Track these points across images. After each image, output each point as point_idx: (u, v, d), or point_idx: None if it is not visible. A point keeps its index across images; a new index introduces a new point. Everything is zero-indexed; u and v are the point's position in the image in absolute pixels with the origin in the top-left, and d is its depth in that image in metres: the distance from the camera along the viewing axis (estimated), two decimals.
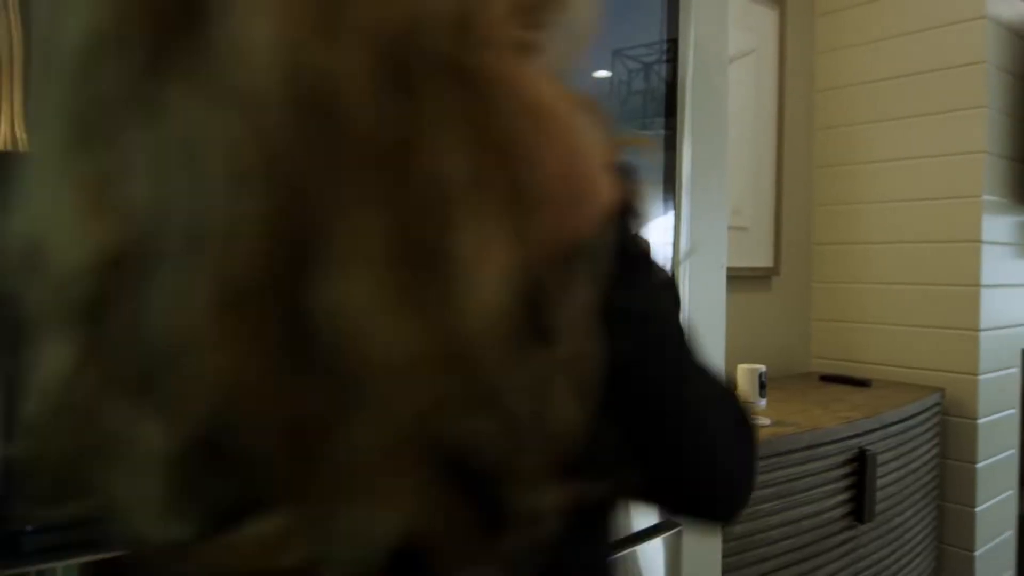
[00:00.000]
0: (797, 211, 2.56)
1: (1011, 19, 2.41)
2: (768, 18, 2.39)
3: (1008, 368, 2.41)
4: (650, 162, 1.17)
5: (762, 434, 1.69)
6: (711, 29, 1.35)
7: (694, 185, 1.29)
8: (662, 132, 1.19)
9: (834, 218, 2.58)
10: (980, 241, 2.26)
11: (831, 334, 2.57)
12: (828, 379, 2.38)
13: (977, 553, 2.29)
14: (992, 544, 2.37)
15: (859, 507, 1.89)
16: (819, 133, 2.61)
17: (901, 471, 2.05)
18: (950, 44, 2.32)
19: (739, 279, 2.29)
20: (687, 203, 1.26)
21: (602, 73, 1.20)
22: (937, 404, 2.24)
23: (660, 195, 1.19)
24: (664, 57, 1.24)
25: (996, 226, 2.33)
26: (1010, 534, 2.47)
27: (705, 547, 1.38)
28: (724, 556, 1.50)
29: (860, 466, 1.88)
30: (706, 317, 1.37)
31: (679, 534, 1.25)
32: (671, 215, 1.22)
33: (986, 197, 2.28)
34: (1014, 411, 2.45)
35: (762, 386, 1.80)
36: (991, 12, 2.29)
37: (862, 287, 2.50)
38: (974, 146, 2.27)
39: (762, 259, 2.37)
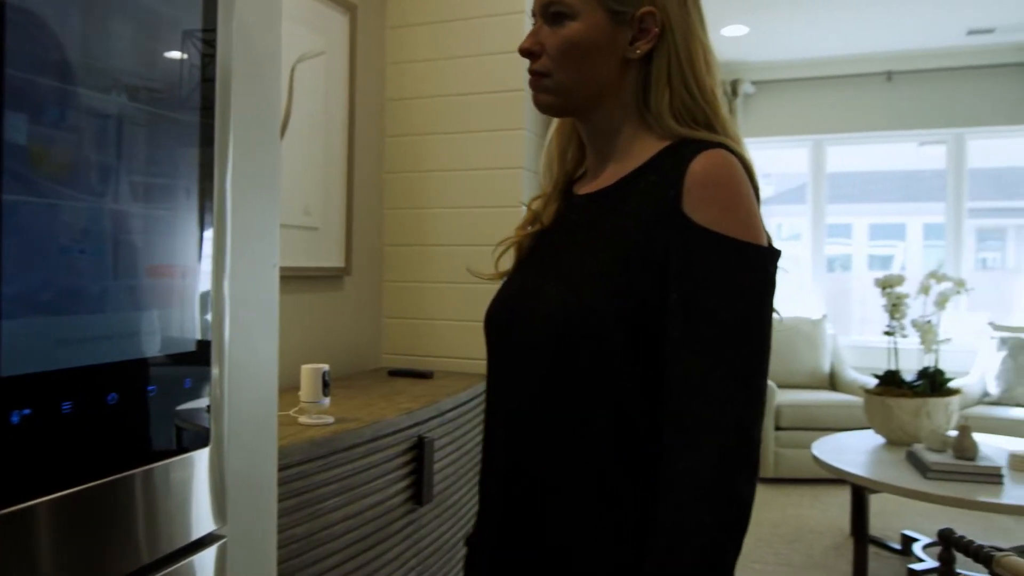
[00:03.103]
0: (368, 213, 2.66)
1: None
2: (339, 23, 2.44)
3: None
4: (181, 156, 1.09)
5: (325, 432, 1.71)
6: (258, 20, 1.31)
7: (239, 183, 1.24)
8: (198, 123, 1.12)
9: (402, 221, 2.74)
10: None
11: (400, 330, 2.73)
12: (395, 373, 2.52)
13: None
14: None
15: (419, 491, 2.02)
16: (389, 140, 2.75)
17: (456, 453, 2.25)
18: (496, 71, 2.63)
19: (311, 279, 2.30)
20: (230, 201, 1.21)
21: (173, 54, 1.10)
22: None
23: (196, 191, 1.12)
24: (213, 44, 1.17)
25: None
26: None
27: (257, 556, 1.34)
28: (281, 561, 1.48)
29: (419, 452, 2.02)
30: (257, 317, 1.34)
31: (225, 546, 1.19)
32: (209, 213, 1.15)
33: (524, 207, 2.62)
34: None
35: (326, 385, 1.82)
36: None
37: (426, 286, 2.70)
38: (515, 162, 2.60)
39: (334, 259, 2.41)
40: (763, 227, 0.84)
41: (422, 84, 2.72)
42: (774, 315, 0.82)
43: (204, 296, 1.14)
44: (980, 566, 1.82)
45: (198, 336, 1.11)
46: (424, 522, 2.07)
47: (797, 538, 3.54)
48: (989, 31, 4.73)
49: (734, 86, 5.39)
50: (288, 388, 1.98)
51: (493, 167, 2.63)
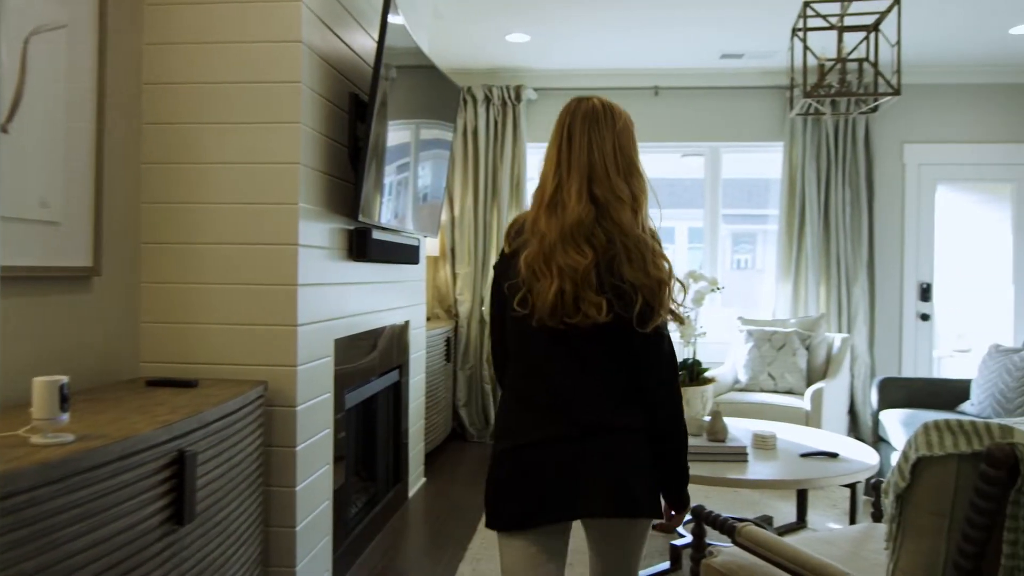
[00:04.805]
0: (123, 207, 2.42)
1: (323, 48, 2.71)
2: None
3: (323, 358, 2.72)
4: None
5: (62, 452, 1.52)
6: None
7: None
8: None
9: (164, 216, 2.52)
10: (297, 244, 2.49)
11: (161, 336, 2.51)
12: (155, 383, 2.31)
13: (298, 528, 2.52)
14: (311, 517, 2.64)
15: (179, 510, 1.87)
16: (147, 128, 2.52)
17: (224, 466, 2.11)
18: (269, 60, 2.50)
19: (49, 280, 2.05)
20: None
21: None
22: (261, 396, 2.38)
23: None
24: None
25: (310, 231, 2.60)
26: (327, 505, 2.80)
27: None
28: None
29: (180, 468, 1.86)
30: None
31: None
32: None
33: (301, 205, 2.52)
34: (328, 395, 2.78)
35: (64, 399, 1.62)
36: (306, 38, 2.54)
37: (192, 287, 2.51)
38: (290, 157, 2.49)
39: (79, 258, 2.16)
40: (503, 251, 1.72)
41: (186, 69, 2.52)
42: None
43: None
44: (727, 537, 2.01)
45: None
46: (187, 543, 1.91)
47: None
48: (739, 56, 5.27)
49: (517, 91, 5.57)
50: (22, 404, 1.76)
51: (266, 161, 2.50)
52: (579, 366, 1.59)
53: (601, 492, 1.56)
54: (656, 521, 1.70)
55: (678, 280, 1.63)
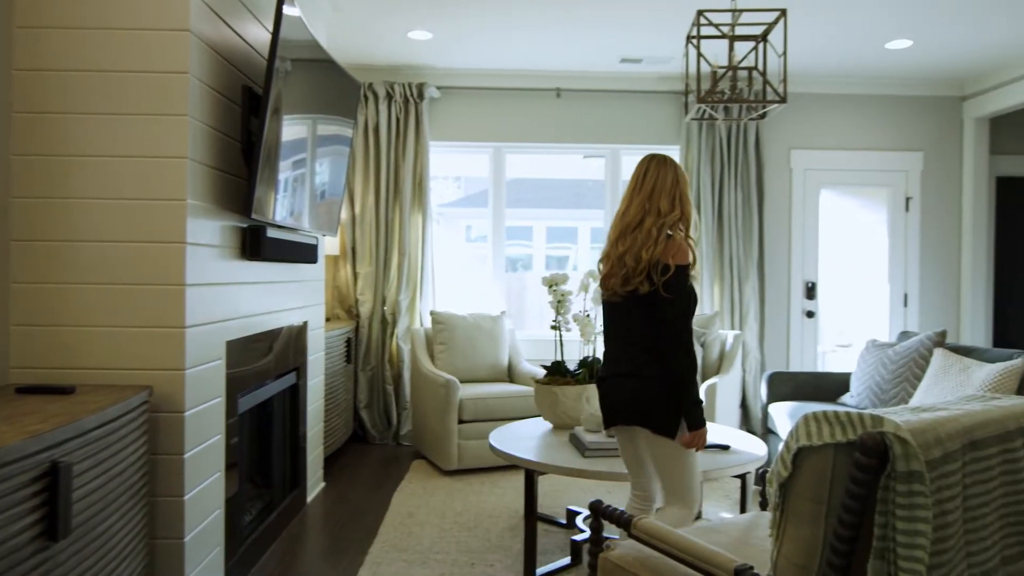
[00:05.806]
0: None
1: (214, 38, 2.61)
2: None
3: (214, 361, 2.61)
4: None
5: None
6: None
7: None
8: None
9: (37, 212, 2.36)
10: (184, 243, 2.38)
11: (34, 340, 2.35)
12: (26, 390, 2.16)
13: (186, 539, 2.42)
14: (201, 527, 2.54)
15: (53, 524, 1.75)
16: (18, 117, 2.35)
17: (104, 477, 1.99)
18: (155, 49, 2.38)
19: None
20: None
21: None
22: (145, 402, 2.26)
23: None
24: None
25: (200, 229, 2.49)
26: (218, 513, 2.69)
27: None
28: None
29: (53, 480, 1.75)
30: None
31: None
32: None
33: (190, 201, 2.41)
34: (220, 399, 2.67)
35: None
36: (195, 27, 2.43)
37: (69, 287, 2.36)
38: (177, 151, 2.38)
39: None
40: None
41: (63, 55, 2.37)
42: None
43: None
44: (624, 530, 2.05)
45: None
46: (61, 560, 1.80)
47: (477, 524, 3.72)
48: (638, 60, 5.40)
49: (420, 89, 5.53)
50: None
51: (151, 155, 2.38)
52: (623, 331, 2.52)
53: (624, 410, 2.50)
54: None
55: (677, 260, 2.40)
